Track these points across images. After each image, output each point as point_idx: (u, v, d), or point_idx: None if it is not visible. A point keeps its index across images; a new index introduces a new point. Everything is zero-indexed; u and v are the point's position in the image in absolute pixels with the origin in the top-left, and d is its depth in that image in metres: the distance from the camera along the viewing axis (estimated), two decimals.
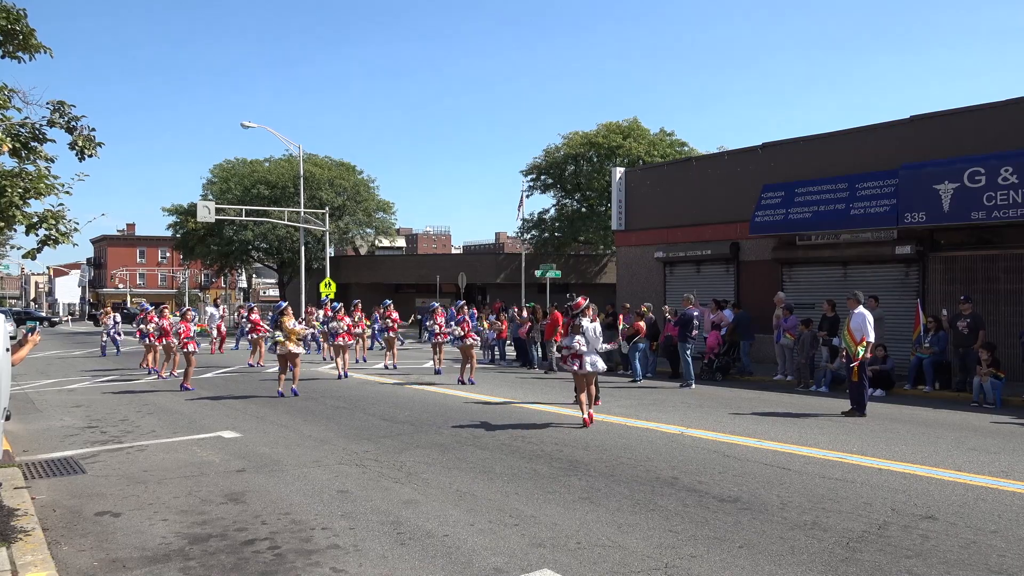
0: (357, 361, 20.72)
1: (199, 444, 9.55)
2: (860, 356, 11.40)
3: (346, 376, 17.27)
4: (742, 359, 17.57)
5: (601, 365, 10.77)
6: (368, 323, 23.21)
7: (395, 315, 19.70)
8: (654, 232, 23.68)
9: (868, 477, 7.52)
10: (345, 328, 18.13)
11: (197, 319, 17.55)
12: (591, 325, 10.74)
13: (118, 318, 27.00)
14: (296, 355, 14.20)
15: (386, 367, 19.32)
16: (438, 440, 9.58)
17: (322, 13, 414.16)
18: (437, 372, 17.73)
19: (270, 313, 18.04)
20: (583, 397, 10.72)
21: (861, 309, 11.65)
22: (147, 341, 19.58)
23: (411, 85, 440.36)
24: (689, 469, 7.88)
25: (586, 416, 10.59)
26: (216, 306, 33.79)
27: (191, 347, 15.80)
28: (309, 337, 14.55)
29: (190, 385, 15.39)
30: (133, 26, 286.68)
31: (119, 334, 26.27)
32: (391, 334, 19.56)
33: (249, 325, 22.41)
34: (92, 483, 7.57)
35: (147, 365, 19.41)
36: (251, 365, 20.54)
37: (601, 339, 10.90)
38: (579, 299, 11.02)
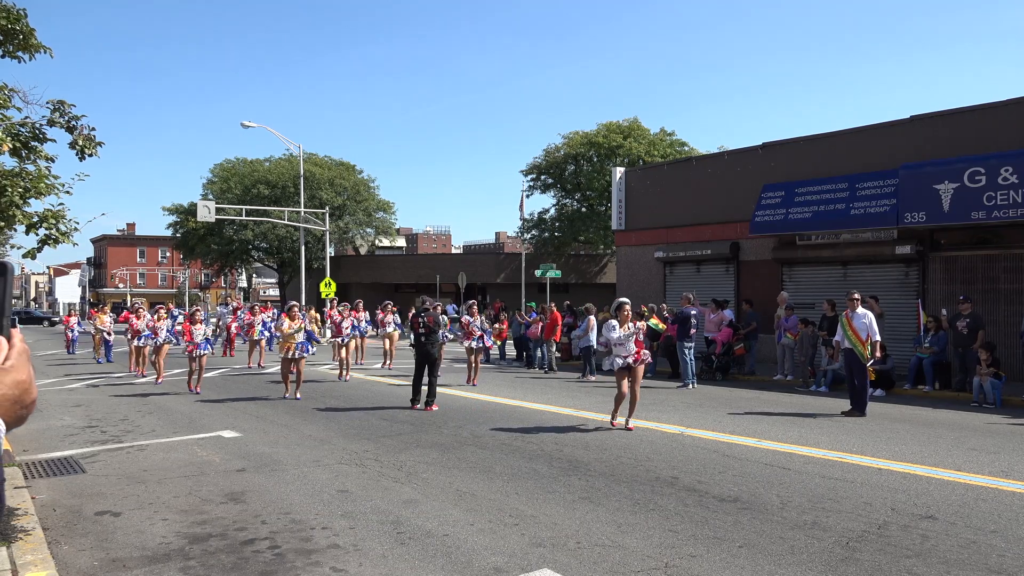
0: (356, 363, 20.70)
1: (199, 444, 9.55)
2: (871, 357, 11.53)
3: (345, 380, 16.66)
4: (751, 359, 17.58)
5: (611, 364, 10.71)
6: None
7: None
8: (654, 232, 23.68)
9: (868, 477, 7.52)
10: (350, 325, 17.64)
11: (207, 319, 16.70)
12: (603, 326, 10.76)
13: (112, 319, 23.73)
14: (296, 358, 13.67)
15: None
16: (438, 440, 9.58)
17: (322, 13, 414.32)
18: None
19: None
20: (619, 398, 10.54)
21: (863, 309, 11.69)
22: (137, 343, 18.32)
23: (411, 85, 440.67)
24: (689, 469, 7.88)
25: (614, 421, 10.60)
26: (226, 304, 30.11)
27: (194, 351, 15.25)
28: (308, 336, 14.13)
29: (198, 388, 14.89)
30: (133, 26, 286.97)
31: (110, 333, 23.37)
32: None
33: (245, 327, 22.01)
34: (92, 483, 7.57)
35: (139, 369, 18.42)
36: (250, 367, 20.40)
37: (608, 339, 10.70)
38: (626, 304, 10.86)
